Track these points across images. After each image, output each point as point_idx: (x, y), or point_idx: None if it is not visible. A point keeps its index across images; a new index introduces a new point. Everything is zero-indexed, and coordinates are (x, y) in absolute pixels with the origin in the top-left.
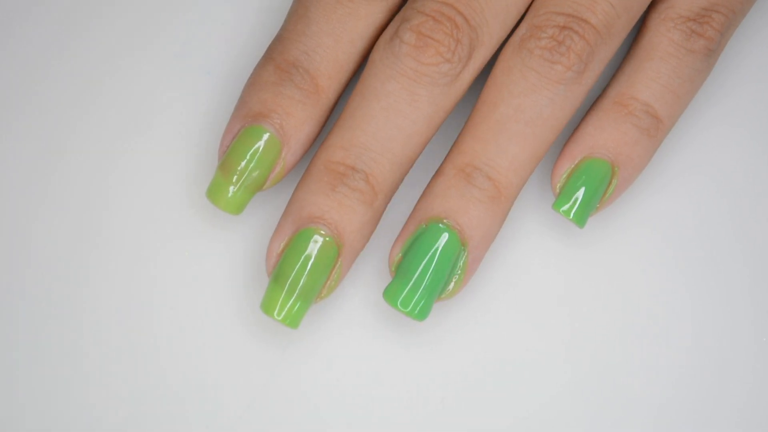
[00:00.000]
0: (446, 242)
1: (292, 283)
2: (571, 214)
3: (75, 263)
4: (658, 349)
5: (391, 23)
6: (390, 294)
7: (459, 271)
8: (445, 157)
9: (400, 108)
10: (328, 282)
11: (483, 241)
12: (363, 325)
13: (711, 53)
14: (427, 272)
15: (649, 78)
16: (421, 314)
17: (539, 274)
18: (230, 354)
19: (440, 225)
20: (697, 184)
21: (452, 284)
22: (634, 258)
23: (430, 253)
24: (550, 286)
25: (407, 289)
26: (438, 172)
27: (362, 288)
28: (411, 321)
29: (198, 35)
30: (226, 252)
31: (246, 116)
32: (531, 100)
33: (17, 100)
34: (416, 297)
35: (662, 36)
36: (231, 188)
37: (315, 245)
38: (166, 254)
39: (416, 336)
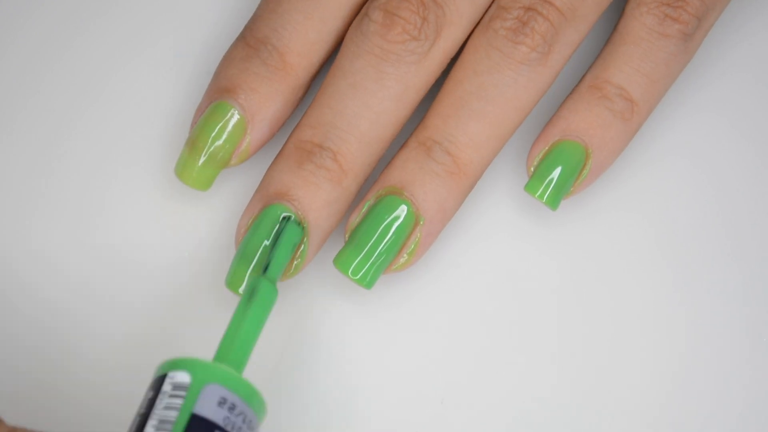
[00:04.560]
0: (400, 214)
1: (258, 260)
2: (544, 197)
3: (73, 254)
4: (644, 335)
5: (365, 4)
6: (341, 261)
7: (412, 245)
8: (412, 132)
9: (367, 85)
10: (295, 260)
11: (438, 215)
12: (362, 326)
13: (687, 37)
14: (380, 243)
15: (622, 62)
16: (370, 283)
17: (530, 264)
18: (218, 335)
19: (396, 196)
20: (676, 169)
21: (404, 257)
22: (610, 240)
23: (384, 224)
24: (543, 280)
25: (359, 257)
26: (402, 146)
27: (363, 289)
28: (412, 323)
29: (198, 35)
30: (216, 231)
31: (214, 93)
32: (494, 79)
33: (18, 98)
34: (367, 266)
35: (636, 20)
36: (197, 164)
37: (279, 221)
38: (158, 238)
39: (416, 336)
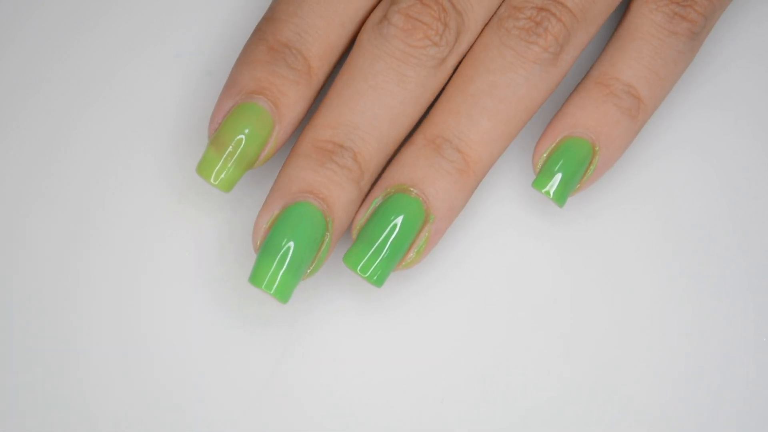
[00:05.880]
0: (411, 211)
1: (282, 255)
2: (551, 193)
3: (74, 254)
4: (652, 331)
5: (379, 6)
6: (350, 258)
7: (421, 242)
8: (418, 128)
9: (389, 88)
10: (317, 257)
11: (448, 213)
12: (363, 326)
13: (694, 36)
14: (388, 240)
15: (631, 58)
16: (379, 280)
17: (531, 262)
18: (219, 335)
19: (406, 194)
20: (682, 164)
21: (413, 254)
22: (617, 237)
23: (393, 221)
24: (549, 276)
25: (368, 255)
26: (409, 142)
27: (363, 287)
28: (412, 321)
29: (198, 35)
30: (217, 232)
31: (239, 93)
32: (506, 78)
33: (18, 97)
34: (376, 263)
35: (644, 17)
36: (225, 165)
37: (307, 218)
38: (159, 238)
39: (416, 336)
